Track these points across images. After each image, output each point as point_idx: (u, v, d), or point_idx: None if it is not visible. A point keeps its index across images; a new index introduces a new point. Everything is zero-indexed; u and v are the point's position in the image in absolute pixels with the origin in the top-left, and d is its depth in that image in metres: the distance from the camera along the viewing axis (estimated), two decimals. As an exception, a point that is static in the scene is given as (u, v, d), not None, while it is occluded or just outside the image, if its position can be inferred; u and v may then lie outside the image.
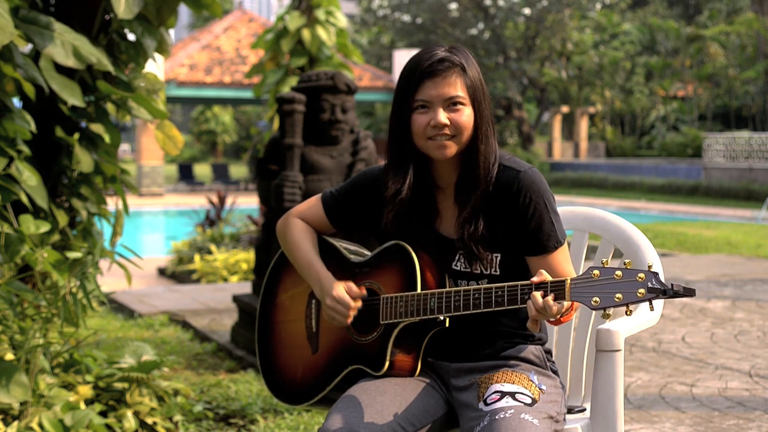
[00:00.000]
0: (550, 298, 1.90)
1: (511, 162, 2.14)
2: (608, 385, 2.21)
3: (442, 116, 2.08)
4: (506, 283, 2.00)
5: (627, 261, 1.86)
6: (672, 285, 1.80)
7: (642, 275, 1.82)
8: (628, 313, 1.86)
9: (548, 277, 1.93)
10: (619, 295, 1.83)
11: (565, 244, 2.15)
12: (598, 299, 1.85)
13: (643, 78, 37.84)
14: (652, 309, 1.85)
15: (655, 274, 1.82)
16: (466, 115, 2.09)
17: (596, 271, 1.87)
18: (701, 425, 4.02)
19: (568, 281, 1.89)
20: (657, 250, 2.45)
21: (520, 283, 1.97)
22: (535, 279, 1.94)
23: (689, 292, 1.79)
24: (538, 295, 1.91)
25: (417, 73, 2.10)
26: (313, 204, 2.32)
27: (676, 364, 5.14)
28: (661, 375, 4.90)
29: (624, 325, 2.24)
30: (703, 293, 7.63)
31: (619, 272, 1.85)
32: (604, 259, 1.90)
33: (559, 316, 1.96)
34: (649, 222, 15.56)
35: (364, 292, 2.18)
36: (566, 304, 1.92)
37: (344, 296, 2.15)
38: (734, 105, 37.11)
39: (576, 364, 2.56)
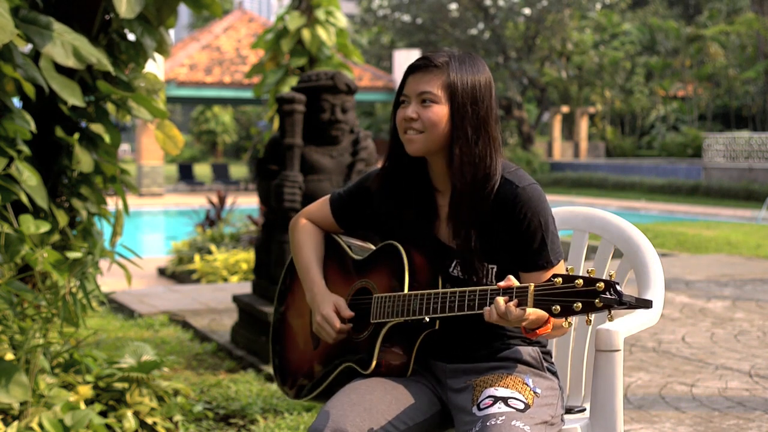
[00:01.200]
0: (512, 303, 1.90)
1: (513, 176, 2.12)
2: (608, 385, 2.21)
3: (410, 110, 2.11)
4: (478, 287, 2.00)
5: (591, 269, 1.86)
6: (622, 296, 1.80)
7: (601, 284, 1.81)
8: (588, 321, 1.86)
9: (515, 283, 1.93)
10: (578, 304, 1.83)
11: (560, 265, 2.13)
12: (558, 307, 1.85)
13: (643, 78, 37.84)
14: (611, 319, 1.85)
15: (615, 283, 1.81)
16: (434, 113, 2.09)
17: (559, 279, 1.86)
18: (701, 425, 4.02)
19: (532, 287, 1.89)
20: (657, 250, 2.45)
21: (489, 287, 1.98)
22: (501, 284, 1.93)
23: (643, 304, 1.80)
24: (501, 300, 1.91)
25: (406, 71, 2.16)
26: (321, 205, 2.37)
27: (676, 364, 5.14)
28: (661, 375, 4.90)
29: (624, 325, 2.24)
30: (703, 293, 7.63)
31: (580, 281, 1.84)
32: (570, 267, 1.89)
33: (533, 328, 1.95)
34: (649, 222, 15.55)
35: (352, 314, 2.21)
36: (529, 311, 1.90)
37: (332, 317, 2.20)
38: (734, 105, 37.10)
39: (576, 364, 2.56)
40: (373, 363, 2.14)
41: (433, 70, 2.10)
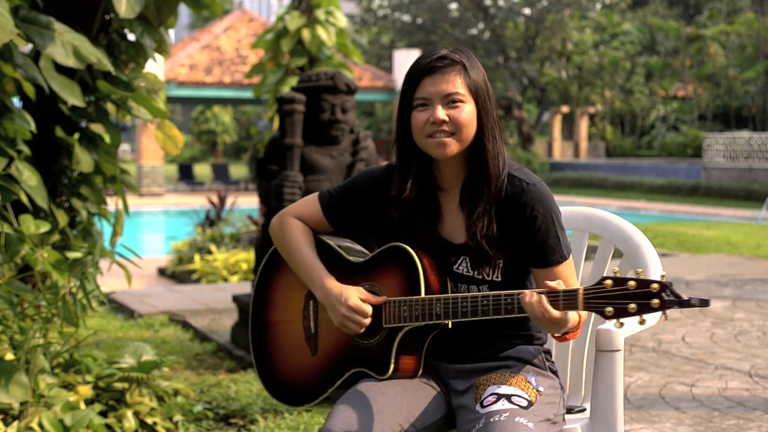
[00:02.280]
0: (544, 298, 1.92)
1: (520, 173, 2.14)
2: (608, 385, 2.21)
3: (440, 112, 2.07)
4: (515, 291, 2.00)
5: (640, 270, 1.88)
6: (690, 297, 1.81)
7: (656, 285, 1.84)
8: (641, 322, 1.88)
9: (561, 287, 1.94)
10: (633, 305, 1.85)
11: (570, 259, 2.15)
12: (612, 309, 1.87)
13: (643, 78, 37.83)
14: (665, 318, 1.87)
15: (670, 284, 1.84)
16: (466, 113, 2.09)
17: (609, 281, 1.88)
18: (701, 425, 4.02)
19: (581, 290, 1.90)
20: (657, 250, 2.45)
21: (528, 291, 1.98)
22: (551, 284, 1.95)
23: (704, 303, 1.81)
24: (529, 293, 1.94)
25: (417, 71, 2.11)
26: (310, 203, 2.29)
27: (676, 364, 5.14)
28: (661, 375, 4.90)
29: (624, 325, 2.24)
30: (703, 293, 7.63)
31: (632, 282, 1.86)
32: (617, 269, 1.92)
33: (564, 333, 2.00)
34: (649, 222, 15.55)
35: (384, 299, 2.14)
36: (572, 320, 1.95)
37: (362, 306, 2.12)
38: (734, 105, 37.10)
39: (576, 364, 2.56)
40: (391, 368, 2.12)
41: (451, 70, 2.09)
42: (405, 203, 2.16)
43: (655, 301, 1.83)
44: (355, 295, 2.14)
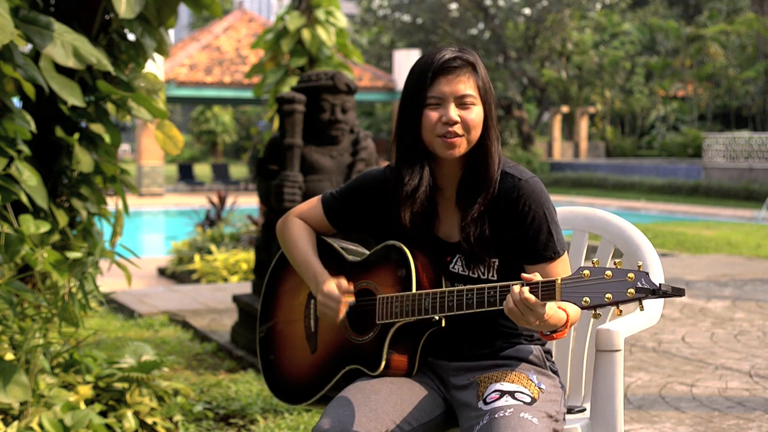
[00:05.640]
0: (526, 289, 1.91)
1: (514, 170, 2.15)
2: (608, 385, 2.21)
3: (453, 112, 2.08)
4: (498, 283, 2.00)
5: (618, 261, 1.87)
6: (660, 285, 1.80)
7: (632, 275, 1.82)
8: (618, 313, 1.87)
9: (539, 278, 1.93)
10: (609, 295, 1.84)
11: (565, 256, 2.15)
12: (588, 299, 1.86)
13: (643, 78, 37.83)
14: (642, 309, 1.85)
15: (645, 273, 1.83)
16: (476, 114, 2.10)
17: (586, 271, 1.87)
18: (701, 425, 4.02)
19: (559, 281, 1.89)
20: (657, 250, 2.45)
21: (511, 283, 1.98)
22: (525, 275, 1.94)
23: (678, 292, 1.79)
24: (516, 287, 1.92)
25: (430, 70, 2.10)
26: (313, 205, 2.33)
27: (676, 364, 5.14)
28: (661, 375, 4.90)
29: (624, 325, 2.25)
30: (703, 293, 7.63)
31: (609, 272, 1.85)
32: (595, 259, 1.90)
33: (551, 332, 2.00)
34: (649, 222, 15.55)
35: (351, 287, 2.19)
36: (548, 312, 1.92)
37: (333, 290, 2.17)
38: (734, 105, 37.10)
39: (576, 364, 2.56)
40: (382, 364, 2.13)
41: (465, 71, 2.10)
42: (419, 200, 2.16)
43: (630, 290, 1.82)
44: (331, 283, 2.18)
